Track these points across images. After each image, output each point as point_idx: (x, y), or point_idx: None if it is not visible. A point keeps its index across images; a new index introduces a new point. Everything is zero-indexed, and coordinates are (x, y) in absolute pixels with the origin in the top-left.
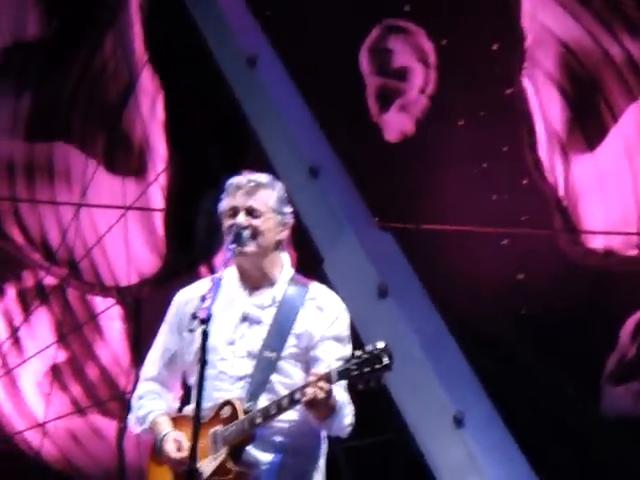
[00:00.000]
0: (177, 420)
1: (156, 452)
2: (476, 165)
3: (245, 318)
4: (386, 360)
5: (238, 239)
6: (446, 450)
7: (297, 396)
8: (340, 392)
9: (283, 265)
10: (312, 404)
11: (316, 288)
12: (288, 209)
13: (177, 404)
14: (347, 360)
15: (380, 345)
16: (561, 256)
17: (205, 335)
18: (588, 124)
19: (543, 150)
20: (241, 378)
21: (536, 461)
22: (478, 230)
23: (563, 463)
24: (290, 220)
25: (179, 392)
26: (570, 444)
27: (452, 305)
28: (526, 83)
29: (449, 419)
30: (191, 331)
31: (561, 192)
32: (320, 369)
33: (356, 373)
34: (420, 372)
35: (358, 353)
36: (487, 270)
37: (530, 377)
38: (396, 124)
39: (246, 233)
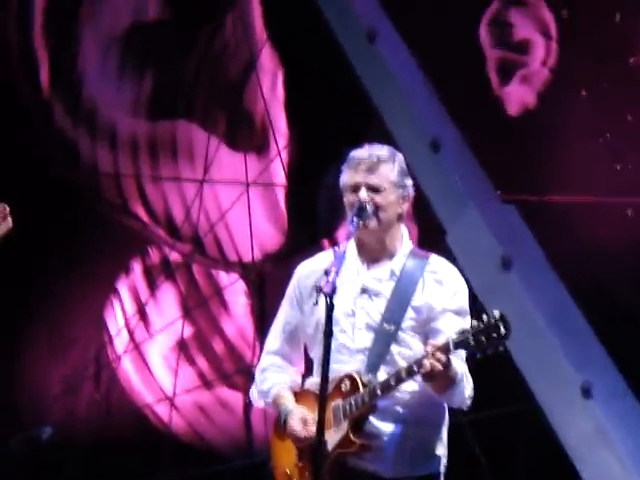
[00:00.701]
0: (299, 395)
1: (279, 426)
2: (599, 136)
3: (364, 291)
4: (503, 330)
5: (361, 213)
6: (574, 422)
7: (415, 368)
8: (459, 364)
9: (403, 238)
10: (430, 376)
11: (435, 261)
12: (409, 181)
13: (300, 377)
14: (464, 330)
15: (497, 314)
16: None
17: (331, 307)
18: None
19: None
20: (360, 350)
21: None
22: (602, 201)
23: None
24: (411, 192)
25: (302, 366)
26: None
27: (577, 276)
28: None
29: (577, 390)
30: (315, 304)
31: None
32: (439, 341)
33: (473, 343)
34: (546, 344)
35: (475, 323)
36: (612, 241)
37: None
38: (518, 97)
39: (369, 208)
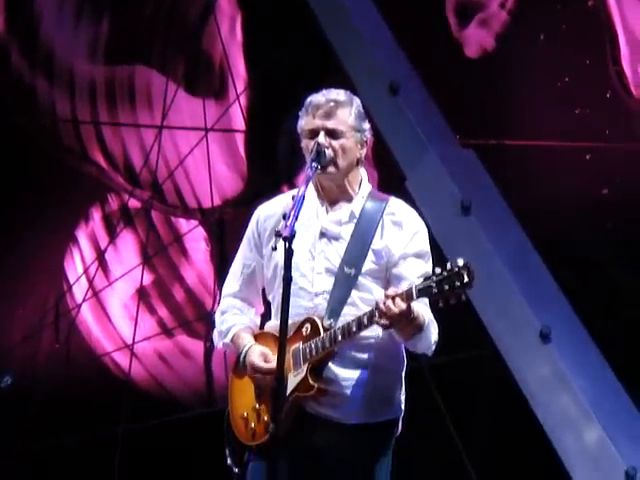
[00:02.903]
0: (258, 336)
1: (238, 365)
2: (558, 79)
3: (323, 234)
4: (466, 278)
5: (319, 158)
6: (533, 366)
7: (377, 313)
8: (425, 310)
9: (362, 180)
10: (391, 322)
11: (394, 203)
12: (367, 125)
13: (259, 319)
14: (427, 278)
15: (460, 262)
16: None
17: (289, 252)
18: None
19: (626, 62)
20: (320, 294)
21: (623, 375)
22: (561, 145)
23: None
24: (369, 136)
25: (261, 307)
26: None
27: (536, 221)
28: None
29: (535, 335)
30: (274, 249)
31: None
32: (403, 286)
33: (436, 291)
34: (504, 288)
35: (438, 270)
36: (570, 185)
37: (616, 291)
38: (476, 39)
39: (327, 152)
